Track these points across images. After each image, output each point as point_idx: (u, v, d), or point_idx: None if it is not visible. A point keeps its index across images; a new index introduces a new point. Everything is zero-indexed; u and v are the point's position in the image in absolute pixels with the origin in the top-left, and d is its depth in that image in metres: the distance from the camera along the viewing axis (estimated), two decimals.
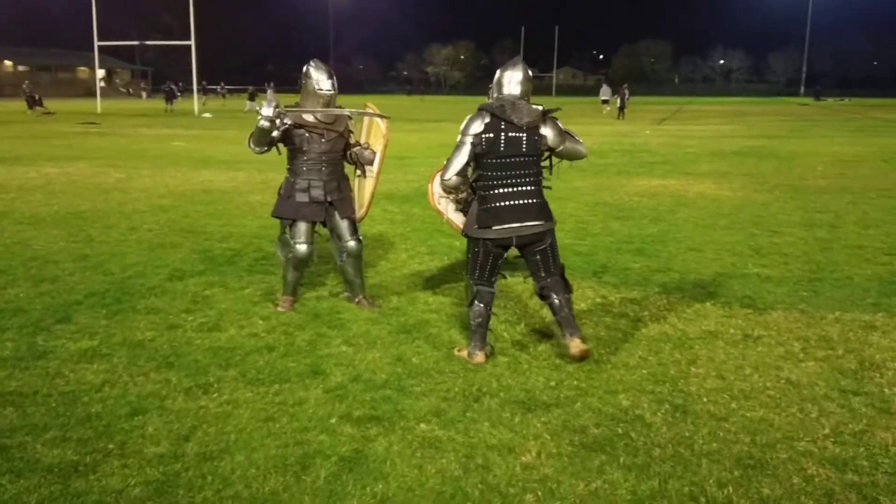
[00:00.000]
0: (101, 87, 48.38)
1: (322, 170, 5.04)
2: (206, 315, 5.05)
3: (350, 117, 5.19)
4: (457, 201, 4.46)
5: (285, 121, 4.85)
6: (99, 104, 40.20)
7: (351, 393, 3.80)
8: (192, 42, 37.80)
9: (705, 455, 3.18)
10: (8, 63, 76.88)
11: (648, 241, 7.47)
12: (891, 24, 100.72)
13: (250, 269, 6.34)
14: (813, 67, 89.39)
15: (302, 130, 4.94)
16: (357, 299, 5.29)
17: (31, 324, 4.82)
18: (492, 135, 4.05)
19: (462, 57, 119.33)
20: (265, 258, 6.72)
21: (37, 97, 35.76)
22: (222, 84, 58.53)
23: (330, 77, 5.00)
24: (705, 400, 3.73)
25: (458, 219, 4.68)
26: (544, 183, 4.25)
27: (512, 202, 4.11)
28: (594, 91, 48.60)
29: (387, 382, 3.95)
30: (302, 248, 5.05)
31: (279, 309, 5.15)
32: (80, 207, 9.35)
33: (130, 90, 76.37)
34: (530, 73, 4.26)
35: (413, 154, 16.16)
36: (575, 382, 3.95)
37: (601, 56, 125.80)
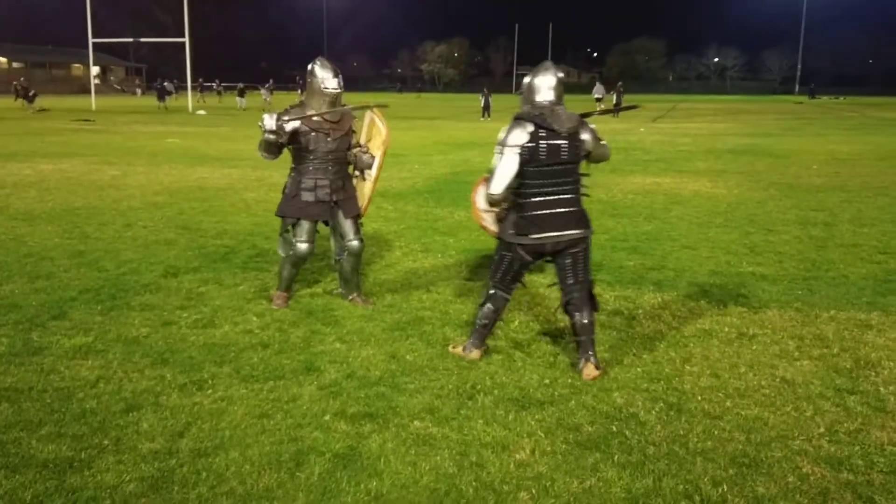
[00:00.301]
0: (96, 84, 48.15)
1: (328, 169, 5.00)
2: (200, 312, 5.04)
3: (354, 117, 5.16)
4: (497, 214, 4.31)
5: (290, 123, 4.81)
6: (93, 101, 40.05)
7: (345, 390, 3.80)
8: (186, 39, 37.69)
9: (700, 453, 3.19)
10: (2, 60, 76.54)
11: (643, 239, 7.48)
12: (886, 22, 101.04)
13: (245, 265, 6.33)
14: (808, 65, 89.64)
15: (307, 130, 4.90)
16: (351, 297, 5.28)
17: (25, 320, 4.80)
18: (533, 144, 3.92)
19: (456, 54, 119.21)
20: (259, 255, 6.71)
21: (31, 93, 35.62)
22: (218, 81, 58.39)
23: (336, 75, 4.95)
24: (700, 398, 3.74)
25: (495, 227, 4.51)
26: (582, 190, 4.15)
27: (552, 210, 4.01)
28: (588, 89, 48.73)
29: (381, 379, 3.95)
30: (303, 246, 5.04)
31: (273, 306, 5.15)
32: (74, 204, 9.32)
33: (122, 87, 76.07)
34: (561, 75, 4.14)
35: (407, 152, 16.15)
36: (569, 380, 3.95)
37: (595, 54, 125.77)
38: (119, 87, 76.29)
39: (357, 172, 5.29)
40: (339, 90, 4.97)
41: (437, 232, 7.85)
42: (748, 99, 66.57)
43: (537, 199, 4.01)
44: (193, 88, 41.65)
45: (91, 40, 39.23)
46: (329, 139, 4.95)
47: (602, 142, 4.18)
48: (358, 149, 5.17)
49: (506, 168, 3.99)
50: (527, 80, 4.15)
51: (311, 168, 4.98)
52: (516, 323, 4.89)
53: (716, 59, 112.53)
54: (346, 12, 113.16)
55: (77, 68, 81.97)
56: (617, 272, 6.18)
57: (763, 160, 15.01)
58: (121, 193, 10.24)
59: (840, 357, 4.31)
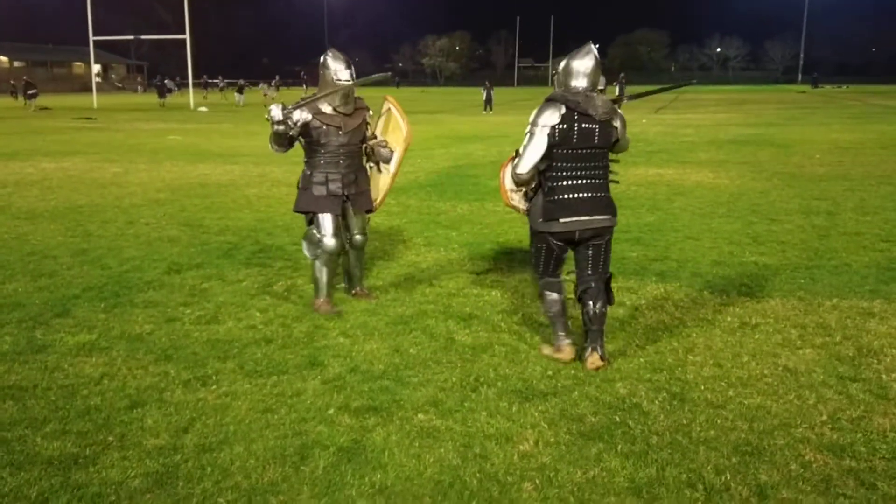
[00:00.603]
0: (97, 82, 48.18)
1: (340, 163, 4.92)
2: (203, 308, 5.05)
3: (368, 109, 5.10)
4: (525, 193, 4.25)
5: (301, 116, 4.72)
6: (95, 99, 40.10)
7: (349, 384, 3.81)
8: (187, 36, 37.68)
9: (703, 442, 3.20)
10: (3, 59, 76.63)
11: (646, 230, 7.47)
12: (888, 10, 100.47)
13: (248, 261, 6.34)
14: (810, 54, 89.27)
15: (319, 124, 4.82)
16: (354, 291, 5.29)
17: (29, 318, 4.82)
18: (565, 126, 3.87)
19: (458, 48, 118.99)
20: (262, 251, 6.72)
21: (30, 91, 35.62)
22: (221, 77, 58.50)
23: (348, 66, 4.85)
24: (703, 388, 3.74)
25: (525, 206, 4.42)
26: (611, 176, 4.12)
27: (582, 194, 3.96)
28: None
29: (384, 373, 3.96)
30: (330, 241, 4.88)
31: (320, 312, 4.89)
32: (77, 202, 9.34)
33: (122, 85, 76.08)
34: (600, 60, 4.04)
35: (410, 146, 16.11)
36: (572, 371, 3.96)
37: (597, 46, 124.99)
38: (120, 86, 76.34)
39: (372, 165, 5.24)
40: (351, 81, 4.87)
41: (439, 226, 7.85)
42: (751, 89, 66.34)
43: (567, 182, 3.96)
44: (197, 85, 41.66)
45: (92, 38, 39.23)
46: (341, 133, 4.87)
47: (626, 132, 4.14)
48: (375, 141, 5.10)
49: (534, 148, 3.94)
50: (564, 61, 4.07)
51: (322, 162, 4.91)
52: (519, 315, 4.90)
53: (718, 50, 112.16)
54: (347, 7, 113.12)
55: (78, 66, 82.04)
56: (620, 263, 6.17)
57: (766, 150, 14.97)
58: (123, 191, 10.26)
59: (842, 345, 4.31)
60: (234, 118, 28.45)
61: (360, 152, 5.10)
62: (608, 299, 4.14)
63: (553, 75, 4.19)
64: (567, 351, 4.09)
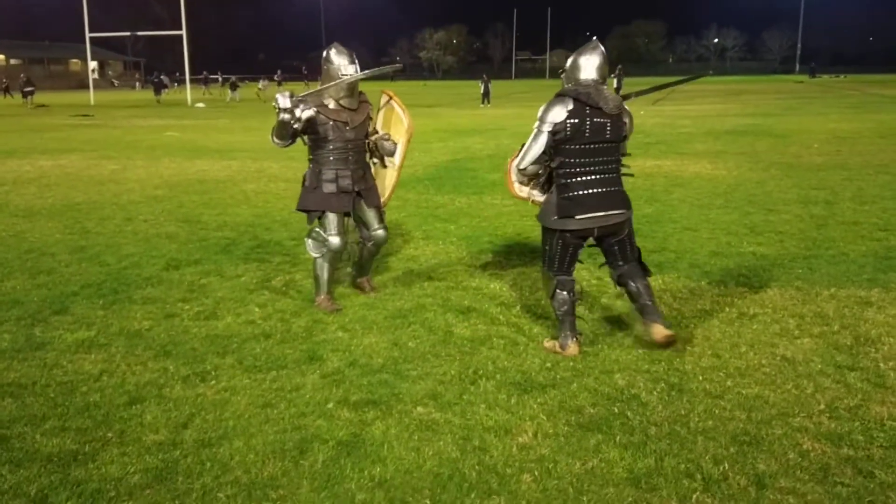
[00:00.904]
0: (94, 79, 48.06)
1: (349, 159, 4.85)
2: (202, 304, 5.06)
3: (370, 104, 5.03)
4: (538, 184, 4.26)
5: (306, 111, 4.65)
6: (92, 96, 40.00)
7: (348, 378, 3.82)
8: (183, 32, 37.57)
9: (701, 432, 3.20)
10: (0, 56, 76.41)
11: (644, 222, 7.47)
12: (886, 0, 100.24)
13: (246, 257, 6.34)
14: (808, 44, 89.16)
15: (326, 119, 4.74)
16: (360, 279, 5.27)
17: (28, 315, 4.82)
18: (577, 121, 3.86)
19: (455, 41, 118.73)
20: (260, 246, 6.72)
21: (27, 89, 35.52)
22: (220, 73, 58.41)
23: (353, 61, 4.78)
24: (701, 378, 3.75)
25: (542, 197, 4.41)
26: (624, 170, 4.11)
27: (596, 190, 3.95)
28: None
29: (383, 367, 3.96)
30: (336, 239, 4.83)
31: (321, 309, 4.86)
32: (75, 199, 9.33)
33: (115, 82, 75.88)
34: (606, 55, 4.08)
35: (410, 139, 16.10)
36: (571, 363, 3.96)
37: (594, 38, 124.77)
38: (116, 83, 76.15)
39: (375, 160, 5.20)
40: (357, 75, 4.80)
41: (437, 219, 7.85)
42: (748, 79, 66.27)
43: (581, 178, 3.95)
44: (198, 81, 41.51)
45: (88, 35, 39.13)
46: (348, 128, 4.80)
47: None
48: (378, 135, 5.06)
49: (536, 146, 3.97)
50: (571, 58, 4.09)
51: (331, 158, 4.82)
52: (518, 307, 4.90)
53: (715, 41, 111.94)
54: (344, 1, 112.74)
55: (75, 63, 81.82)
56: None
57: (763, 140, 14.96)
58: (121, 188, 10.25)
59: (840, 334, 4.32)
60: (232, 114, 28.40)
61: (365, 148, 5.05)
62: (644, 273, 4.20)
63: (560, 73, 4.19)
64: (572, 349, 4.07)
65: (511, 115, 24.80)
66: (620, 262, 4.17)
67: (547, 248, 4.17)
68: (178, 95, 41.63)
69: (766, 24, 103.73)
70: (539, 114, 3.97)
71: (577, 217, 3.96)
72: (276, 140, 4.77)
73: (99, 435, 3.24)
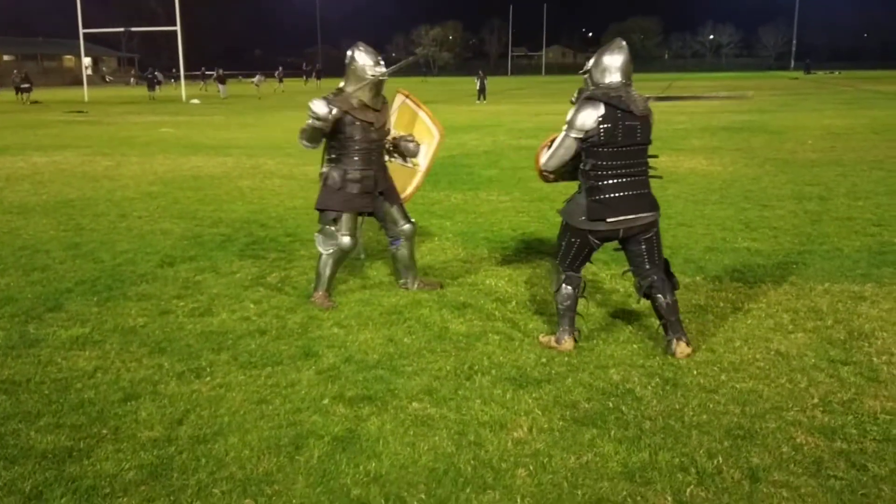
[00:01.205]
0: (88, 75, 47.89)
1: (372, 159, 4.84)
2: (197, 300, 5.05)
3: (387, 104, 5.03)
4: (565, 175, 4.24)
5: (334, 111, 4.61)
6: (86, 92, 39.88)
7: (343, 374, 3.82)
8: (177, 28, 37.46)
9: (695, 426, 3.21)
10: None
11: None
12: None
13: (241, 253, 6.33)
14: (803, 41, 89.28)
15: (353, 119, 4.70)
16: (416, 284, 5.20)
17: (22, 312, 4.81)
18: (609, 125, 3.81)
19: (451, 37, 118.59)
20: (256, 242, 6.71)
21: (24, 86, 35.35)
22: (215, 69, 58.24)
23: (378, 62, 4.76)
24: (695, 372, 3.76)
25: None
26: (651, 172, 4.08)
27: (626, 192, 3.91)
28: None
29: (379, 362, 3.96)
30: (347, 240, 4.82)
31: (317, 304, 4.86)
32: (69, 196, 9.30)
33: (109, 78, 75.56)
34: (631, 55, 4.01)
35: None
36: (566, 358, 3.97)
37: (590, 34, 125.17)
38: (110, 79, 75.88)
39: (392, 158, 5.17)
40: (383, 76, 4.79)
41: (433, 215, 7.85)
42: (744, 76, 66.32)
43: (612, 181, 3.90)
44: (195, 77, 41.20)
45: (81, 31, 38.99)
46: (373, 128, 4.79)
47: None
48: (400, 136, 5.06)
49: (562, 150, 3.94)
50: (594, 58, 4.01)
51: (355, 159, 4.78)
52: (513, 303, 4.91)
53: (711, 37, 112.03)
54: None
55: (69, 60, 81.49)
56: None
57: (759, 136, 14.99)
58: (115, 184, 10.22)
59: (834, 329, 4.34)
60: (227, 110, 28.33)
61: (385, 147, 5.06)
62: (673, 285, 4.13)
63: (583, 74, 4.12)
64: (567, 344, 4.08)
65: (507, 112, 24.80)
66: (648, 267, 4.06)
67: (564, 244, 4.13)
68: (174, 91, 41.44)
69: (762, 20, 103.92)
70: (568, 118, 3.90)
71: (608, 220, 3.91)
72: (305, 143, 4.74)
73: (93, 431, 3.23)
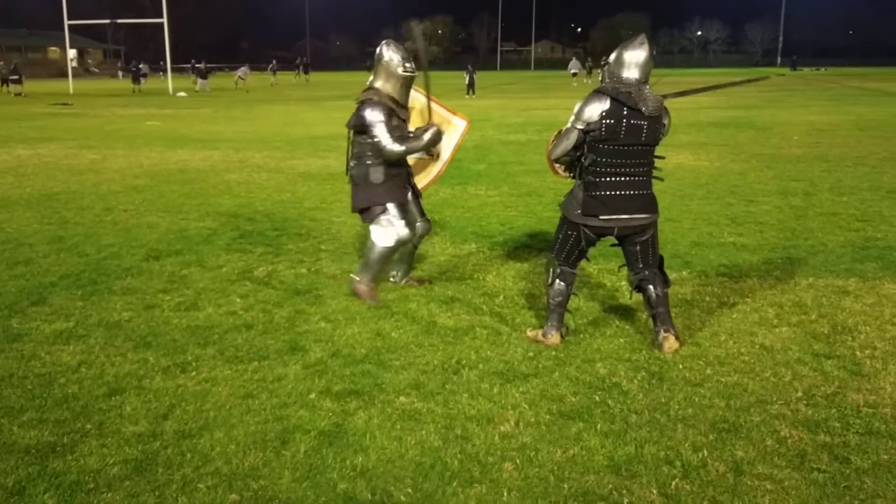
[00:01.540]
0: (73, 68, 47.41)
1: None
2: (183, 294, 5.02)
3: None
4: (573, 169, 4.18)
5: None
6: (71, 84, 39.46)
7: (330, 368, 3.81)
8: (164, 20, 37.15)
9: (681, 420, 3.23)
10: None
11: None
12: None
13: (228, 247, 6.29)
14: (789, 37, 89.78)
15: (397, 118, 4.71)
16: (405, 280, 5.20)
17: (4, 307, 4.76)
18: (612, 121, 3.76)
19: (440, 32, 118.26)
20: (242, 236, 6.67)
21: (12, 77, 34.87)
22: (203, 62, 57.88)
23: (408, 58, 4.75)
24: (681, 366, 3.78)
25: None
26: (655, 173, 4.03)
27: (623, 192, 3.87)
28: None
29: (366, 357, 3.96)
30: (406, 230, 4.78)
31: (371, 302, 4.75)
32: (53, 189, 9.21)
33: (88, 69, 74.76)
34: (654, 51, 3.91)
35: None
36: (553, 353, 3.98)
37: (579, 29, 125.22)
38: (96, 71, 75.16)
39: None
40: (414, 72, 4.78)
41: None
42: (731, 72, 66.57)
43: (610, 178, 3.86)
44: (185, 70, 40.59)
45: (67, 22, 38.57)
46: (406, 124, 4.83)
47: None
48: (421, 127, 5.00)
49: (566, 141, 3.91)
50: (616, 52, 3.95)
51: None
52: (501, 297, 4.91)
53: (699, 33, 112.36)
54: None
55: (54, 51, 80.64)
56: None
57: (745, 132, 15.06)
58: (100, 177, 10.13)
59: (818, 323, 4.37)
60: (214, 103, 28.14)
61: None
62: (665, 281, 4.13)
63: (602, 66, 4.07)
64: (554, 338, 4.09)
65: (496, 106, 24.78)
66: (640, 266, 4.08)
67: (560, 236, 4.13)
68: (162, 84, 41.03)
69: (749, 17, 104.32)
70: (575, 109, 3.87)
71: (601, 217, 3.90)
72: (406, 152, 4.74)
73: (77, 427, 3.21)
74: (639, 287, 4.13)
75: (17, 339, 4.23)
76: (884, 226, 6.79)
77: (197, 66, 41.11)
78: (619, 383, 3.60)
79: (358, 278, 4.89)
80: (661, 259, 4.18)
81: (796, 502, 2.67)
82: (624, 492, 2.73)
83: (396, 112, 4.70)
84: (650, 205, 3.97)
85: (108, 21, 51.86)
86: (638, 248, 4.05)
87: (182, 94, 34.67)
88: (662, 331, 4.01)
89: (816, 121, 17.09)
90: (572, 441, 3.08)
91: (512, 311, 4.66)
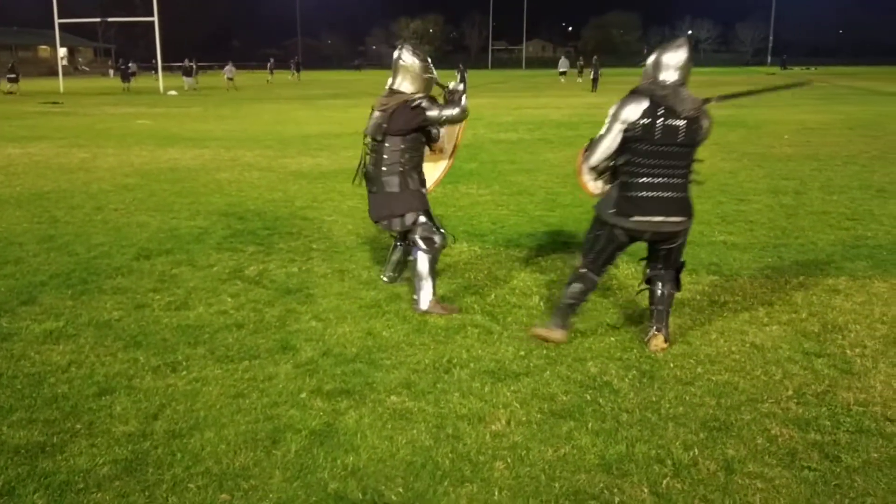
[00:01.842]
0: (64, 66, 47.13)
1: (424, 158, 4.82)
2: (173, 294, 5.00)
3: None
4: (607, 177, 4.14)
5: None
6: (62, 83, 39.23)
7: (321, 367, 3.80)
8: (155, 18, 36.97)
9: (671, 418, 3.24)
10: None
11: None
12: None
13: (219, 246, 6.27)
14: (780, 37, 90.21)
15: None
16: (398, 280, 5.18)
17: None
18: (648, 121, 3.72)
19: (431, 30, 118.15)
20: (233, 235, 6.65)
21: (10, 76, 34.61)
22: (195, 61, 57.76)
23: (427, 60, 4.75)
24: (672, 365, 3.79)
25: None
26: (691, 176, 3.94)
27: (658, 193, 3.80)
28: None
29: (357, 356, 3.95)
30: (441, 237, 4.70)
31: (441, 313, 4.55)
32: (43, 188, 9.15)
33: (86, 68, 74.36)
34: (693, 54, 3.88)
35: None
36: (544, 352, 3.98)
37: (570, 28, 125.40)
38: (87, 69, 74.75)
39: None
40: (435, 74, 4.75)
41: None
42: (722, 71, 66.81)
43: (645, 179, 3.81)
44: (179, 69, 40.24)
45: (57, 20, 38.32)
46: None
47: None
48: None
49: (607, 141, 3.85)
50: (654, 54, 3.91)
51: (418, 159, 4.73)
52: (492, 296, 4.91)
53: (689, 32, 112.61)
54: None
55: (44, 50, 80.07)
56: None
57: (736, 131, 15.11)
58: (91, 176, 10.08)
59: (808, 322, 4.39)
60: (205, 102, 28.03)
61: None
62: (676, 285, 4.12)
63: (640, 66, 4.06)
64: (559, 335, 4.08)
65: (487, 105, 24.77)
66: (660, 265, 4.07)
67: (591, 236, 4.08)
68: (153, 83, 40.79)
69: (739, 16, 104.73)
70: (612, 110, 3.83)
71: (634, 218, 3.85)
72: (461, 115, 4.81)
73: (67, 426, 3.19)
74: (649, 280, 4.15)
75: (6, 338, 4.20)
76: (874, 224, 6.83)
77: (182, 64, 40.82)
78: (610, 382, 3.61)
79: (418, 298, 4.65)
80: (683, 264, 4.17)
81: (787, 500, 2.68)
82: (615, 490, 2.74)
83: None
84: (685, 208, 3.91)
85: (98, 20, 51.54)
86: (664, 253, 4.03)
87: (173, 92, 34.51)
88: (654, 329, 4.03)
89: (807, 120, 17.17)
90: (563, 440, 3.08)
91: (503, 310, 4.66)
